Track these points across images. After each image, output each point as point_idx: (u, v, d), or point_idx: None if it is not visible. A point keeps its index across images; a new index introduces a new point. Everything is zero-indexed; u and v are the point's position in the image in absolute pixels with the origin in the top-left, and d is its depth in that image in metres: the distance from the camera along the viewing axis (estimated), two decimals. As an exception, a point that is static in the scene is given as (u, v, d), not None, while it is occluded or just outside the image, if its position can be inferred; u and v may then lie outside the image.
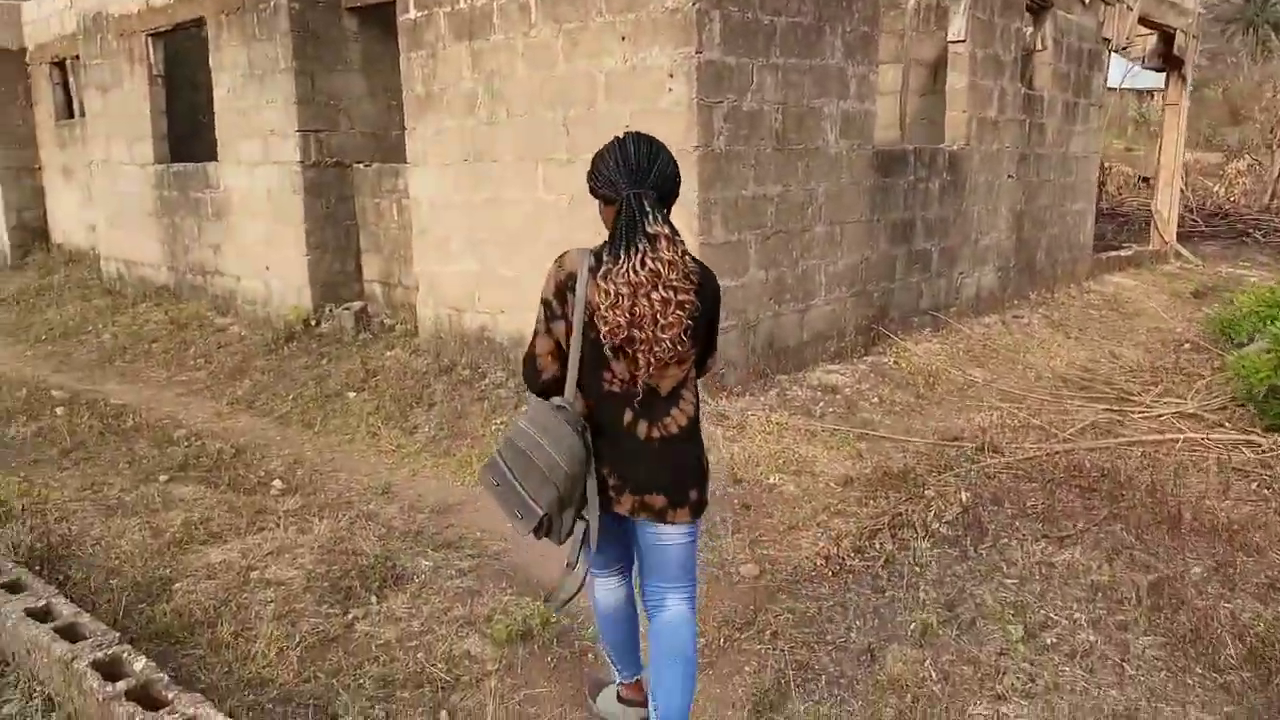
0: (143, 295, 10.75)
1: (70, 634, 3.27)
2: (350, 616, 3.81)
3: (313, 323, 8.70)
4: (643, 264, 2.36)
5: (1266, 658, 3.44)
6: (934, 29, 10.69)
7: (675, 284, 2.38)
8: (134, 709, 2.85)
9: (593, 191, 2.52)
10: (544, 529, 2.53)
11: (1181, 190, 14.15)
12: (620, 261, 2.38)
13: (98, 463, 5.79)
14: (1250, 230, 15.59)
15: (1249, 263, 13.56)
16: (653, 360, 2.44)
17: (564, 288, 2.51)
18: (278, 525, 4.68)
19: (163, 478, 5.49)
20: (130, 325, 9.73)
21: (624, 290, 2.36)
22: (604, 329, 2.42)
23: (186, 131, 10.68)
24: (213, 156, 9.60)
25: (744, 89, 6.05)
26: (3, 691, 3.27)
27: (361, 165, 8.82)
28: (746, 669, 3.48)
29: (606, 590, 2.89)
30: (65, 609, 3.46)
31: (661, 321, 2.38)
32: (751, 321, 6.37)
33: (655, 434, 2.56)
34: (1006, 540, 4.42)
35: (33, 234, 13.67)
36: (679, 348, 2.45)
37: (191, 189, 9.97)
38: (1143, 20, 11.28)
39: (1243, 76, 27.85)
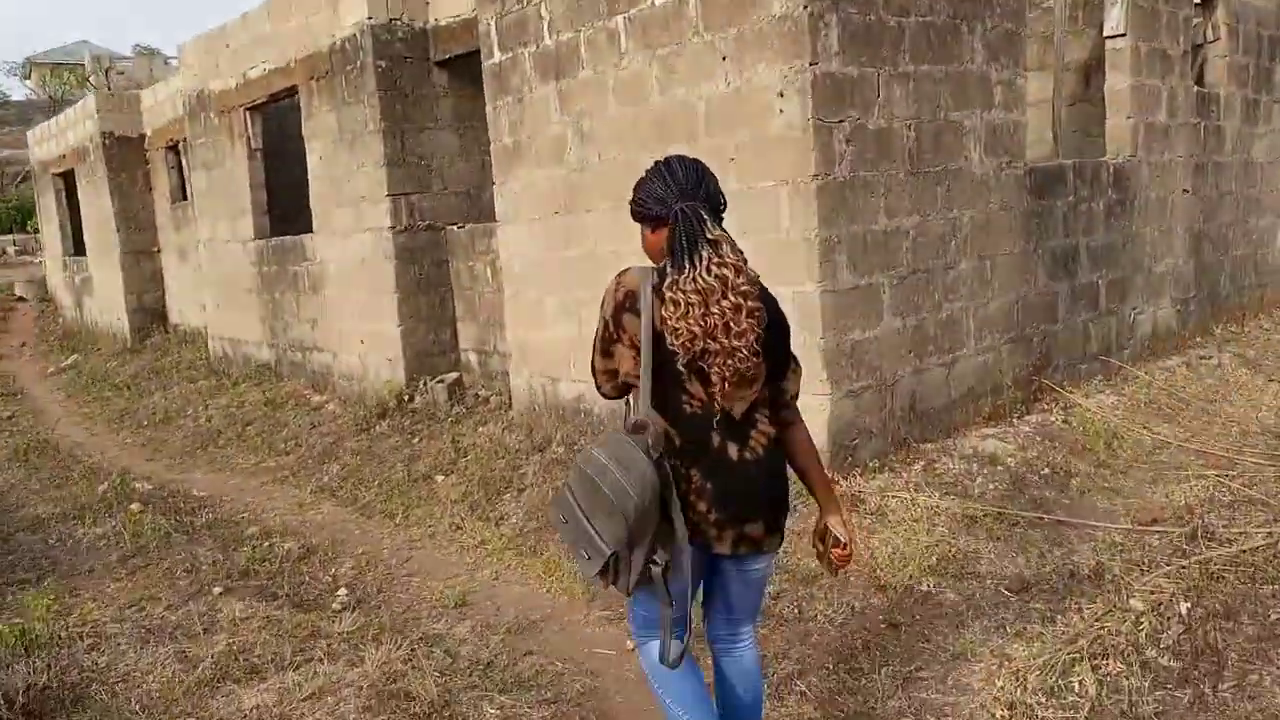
0: (246, 374, 10.51)
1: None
2: (388, 794, 3.00)
3: (406, 398, 8.13)
4: (709, 270, 2.26)
5: None
6: (1082, 27, 9.45)
7: (744, 289, 2.28)
8: None
9: (641, 216, 2.42)
10: (611, 573, 2.31)
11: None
12: (686, 271, 2.27)
13: (154, 571, 5.22)
14: None
15: None
16: (728, 374, 2.28)
17: (623, 308, 2.38)
18: (326, 655, 3.94)
19: (217, 589, 4.86)
20: (228, 407, 9.42)
21: (693, 299, 2.25)
22: (677, 342, 2.28)
23: (291, 206, 10.43)
24: (312, 229, 9.27)
25: (868, 104, 5.12)
26: None
27: (454, 227, 8.28)
28: None
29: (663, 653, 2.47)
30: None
31: (735, 329, 2.26)
32: (888, 380, 5.35)
33: (747, 455, 2.40)
34: (1255, 675, 3.25)
35: (151, 316, 13.82)
36: (754, 358, 2.30)
37: (289, 263, 9.66)
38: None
39: None
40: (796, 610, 3.99)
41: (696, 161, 2.42)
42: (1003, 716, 3.12)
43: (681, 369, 2.32)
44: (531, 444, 6.50)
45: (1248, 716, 3.05)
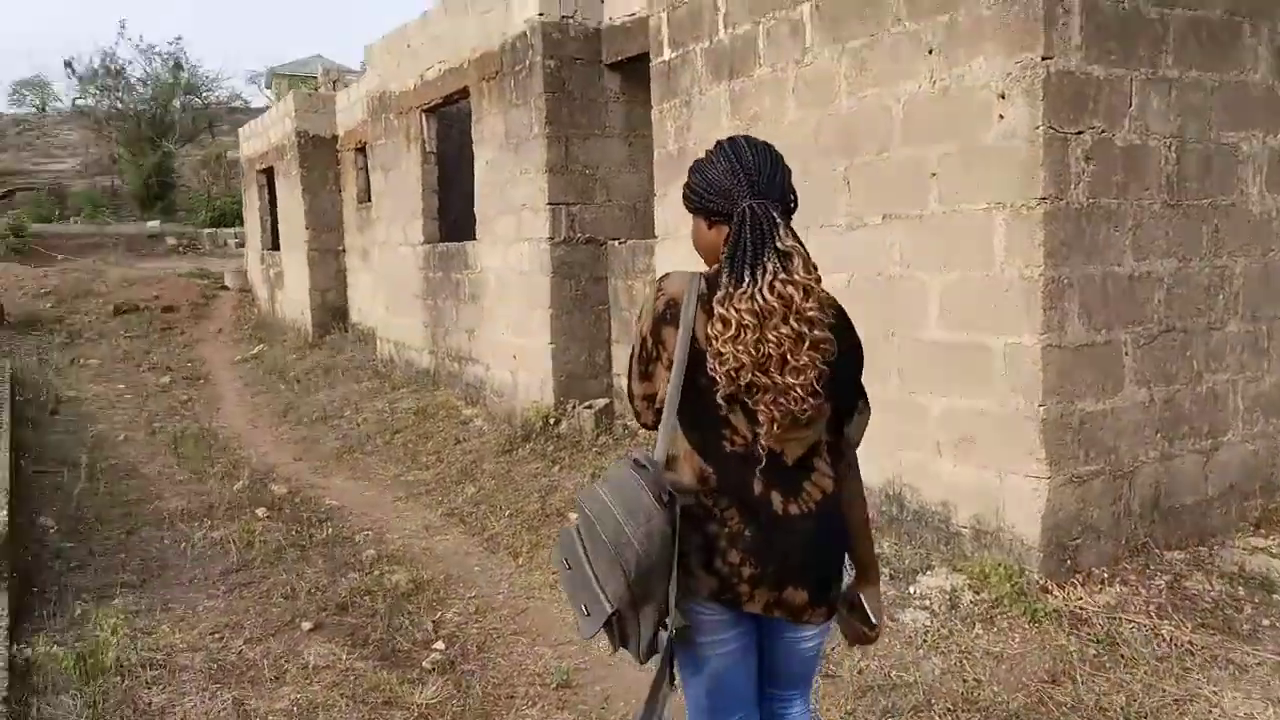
0: (407, 379, 10.33)
1: None
2: None
3: (553, 420, 7.57)
4: (772, 288, 1.86)
5: None
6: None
7: (812, 315, 1.87)
8: None
9: (696, 206, 2.03)
10: (618, 635, 1.91)
11: None
12: (744, 284, 1.87)
13: (251, 592, 4.81)
14: None
15: None
16: (777, 415, 1.89)
17: (663, 320, 2.00)
18: (393, 735, 3.32)
19: (306, 624, 4.37)
20: (382, 412, 9.19)
21: (748, 320, 1.86)
22: (720, 369, 1.89)
23: (464, 214, 10.16)
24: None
25: (1116, 113, 4.08)
26: None
27: (615, 242, 7.68)
28: None
29: None
30: None
31: (792, 364, 1.86)
32: (1125, 466, 4.22)
33: (794, 509, 1.99)
34: None
35: (333, 313, 14.05)
36: (810, 399, 1.88)
37: (453, 270, 9.37)
38: None
39: None
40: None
41: (768, 146, 2.02)
42: None
43: (721, 400, 1.94)
44: (676, 489, 5.75)
45: None
